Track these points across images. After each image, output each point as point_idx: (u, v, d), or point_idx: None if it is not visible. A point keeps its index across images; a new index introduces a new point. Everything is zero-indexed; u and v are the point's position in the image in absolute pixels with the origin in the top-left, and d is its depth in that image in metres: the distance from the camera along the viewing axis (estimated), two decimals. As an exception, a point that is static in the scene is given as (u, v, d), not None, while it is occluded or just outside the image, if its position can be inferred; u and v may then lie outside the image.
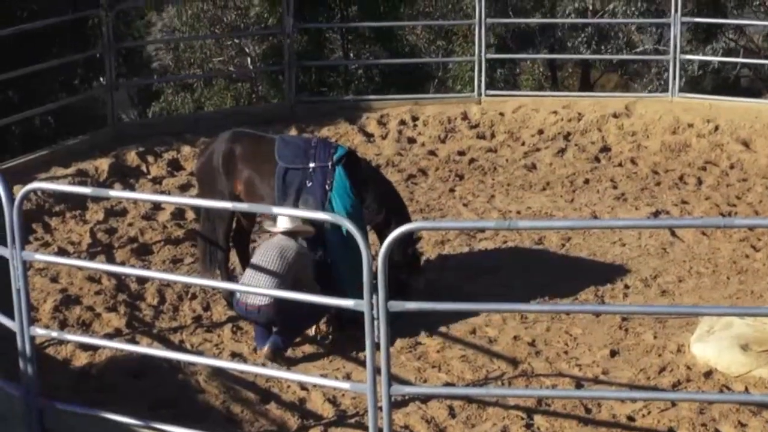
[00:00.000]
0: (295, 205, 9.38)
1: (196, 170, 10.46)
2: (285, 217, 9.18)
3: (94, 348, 9.02)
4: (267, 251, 9.13)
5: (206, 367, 8.67)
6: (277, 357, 8.97)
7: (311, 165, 9.51)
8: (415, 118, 15.51)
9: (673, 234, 11.60)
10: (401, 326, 9.04)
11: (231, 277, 10.16)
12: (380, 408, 6.94)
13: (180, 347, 9.35)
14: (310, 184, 9.47)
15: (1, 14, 17.97)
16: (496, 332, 9.50)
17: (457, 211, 12.50)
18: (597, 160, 14.26)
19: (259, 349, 9.11)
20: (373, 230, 9.72)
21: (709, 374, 8.63)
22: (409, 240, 9.75)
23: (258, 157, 9.73)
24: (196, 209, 11.98)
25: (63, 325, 9.60)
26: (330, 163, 9.52)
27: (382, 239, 9.07)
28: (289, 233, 9.20)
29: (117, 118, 15.44)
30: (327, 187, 9.45)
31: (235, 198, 9.70)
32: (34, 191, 11.11)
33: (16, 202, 7.35)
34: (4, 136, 19.92)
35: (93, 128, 15.83)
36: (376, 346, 6.78)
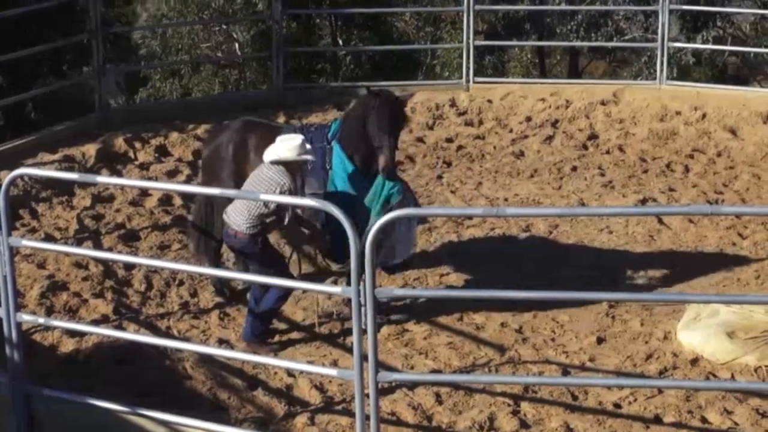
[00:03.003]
0: (302, 191, 9.27)
1: (203, 158, 10.24)
2: (277, 148, 8.79)
3: (81, 334, 9.02)
4: (257, 180, 8.80)
5: (193, 354, 8.67)
6: (255, 347, 8.95)
7: (308, 147, 9.43)
8: (403, 105, 15.47)
9: (660, 221, 11.62)
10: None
11: (219, 266, 10.12)
12: (367, 395, 6.94)
13: (167, 333, 9.35)
14: (311, 167, 9.41)
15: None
16: (483, 319, 9.50)
17: (444, 198, 12.50)
18: (585, 147, 14.27)
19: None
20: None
21: (695, 361, 8.66)
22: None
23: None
24: (187, 196, 12.00)
25: (50, 312, 9.59)
26: (325, 143, 9.47)
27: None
28: (281, 163, 8.77)
29: (104, 104, 15.39)
30: (327, 166, 9.40)
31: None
32: (21, 177, 11.09)
33: (3, 188, 7.34)
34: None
35: (80, 114, 15.73)
36: (363, 333, 6.79)
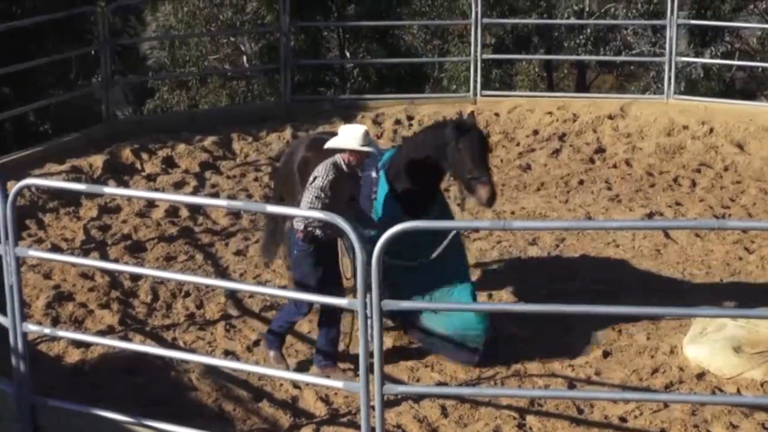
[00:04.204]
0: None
1: (278, 170, 10.23)
2: (341, 136, 8.53)
3: (87, 345, 9.02)
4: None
5: (199, 365, 8.67)
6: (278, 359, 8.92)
7: (360, 175, 9.23)
8: (410, 118, 15.50)
9: (666, 235, 11.61)
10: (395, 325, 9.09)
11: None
12: (373, 407, 6.94)
13: (173, 345, 9.34)
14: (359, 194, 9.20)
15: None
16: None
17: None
18: (592, 161, 14.27)
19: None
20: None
21: (701, 376, 8.64)
22: None
23: None
24: (193, 207, 12.02)
25: (56, 322, 9.60)
26: (374, 172, 9.21)
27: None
28: (339, 151, 8.52)
29: (112, 115, 15.42)
30: (373, 196, 9.15)
31: None
32: (28, 187, 11.06)
33: (10, 198, 7.35)
34: (-1, 132, 19.93)
35: (88, 125, 15.78)
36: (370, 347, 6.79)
